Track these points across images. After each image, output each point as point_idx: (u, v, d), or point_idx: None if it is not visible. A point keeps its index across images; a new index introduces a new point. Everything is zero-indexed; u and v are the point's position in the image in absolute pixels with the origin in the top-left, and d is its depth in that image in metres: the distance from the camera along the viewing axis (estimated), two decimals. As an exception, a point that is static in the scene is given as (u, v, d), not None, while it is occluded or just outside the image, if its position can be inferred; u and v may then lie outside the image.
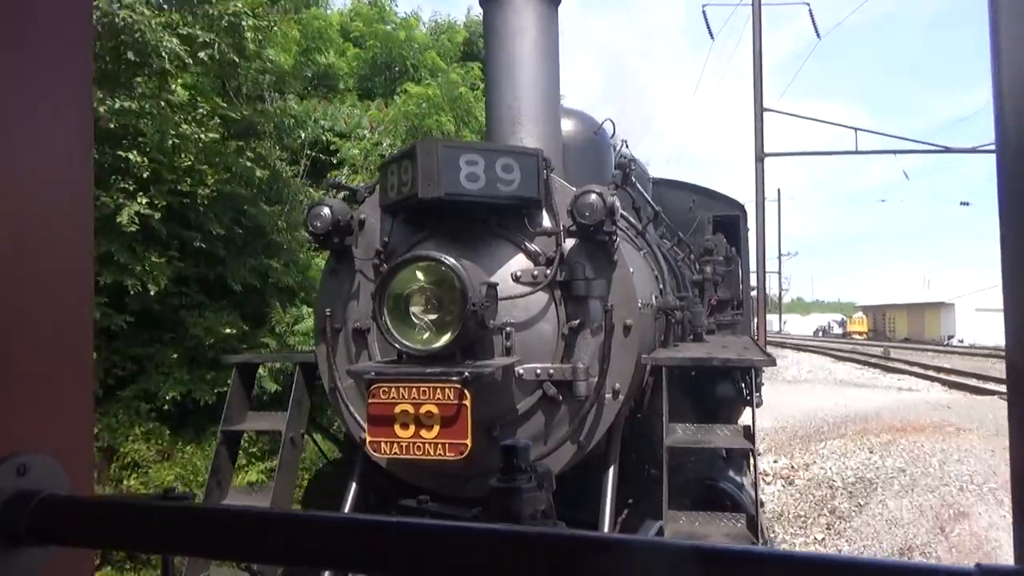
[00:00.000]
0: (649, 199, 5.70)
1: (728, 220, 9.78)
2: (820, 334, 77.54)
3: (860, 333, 68.90)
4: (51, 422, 0.97)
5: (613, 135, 5.34)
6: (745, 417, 4.42)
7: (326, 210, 3.28)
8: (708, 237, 8.66)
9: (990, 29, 0.83)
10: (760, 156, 21.19)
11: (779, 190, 59.14)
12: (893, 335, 63.08)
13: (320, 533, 0.85)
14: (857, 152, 20.88)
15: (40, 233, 0.97)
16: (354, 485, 3.53)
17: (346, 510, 3.45)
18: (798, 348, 43.43)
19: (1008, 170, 0.81)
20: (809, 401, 17.77)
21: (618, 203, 3.07)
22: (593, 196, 2.99)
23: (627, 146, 5.64)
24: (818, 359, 33.94)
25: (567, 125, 4.82)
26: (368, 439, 2.85)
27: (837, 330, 78.31)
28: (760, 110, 20.82)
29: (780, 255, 58.99)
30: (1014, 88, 0.81)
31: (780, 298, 68.54)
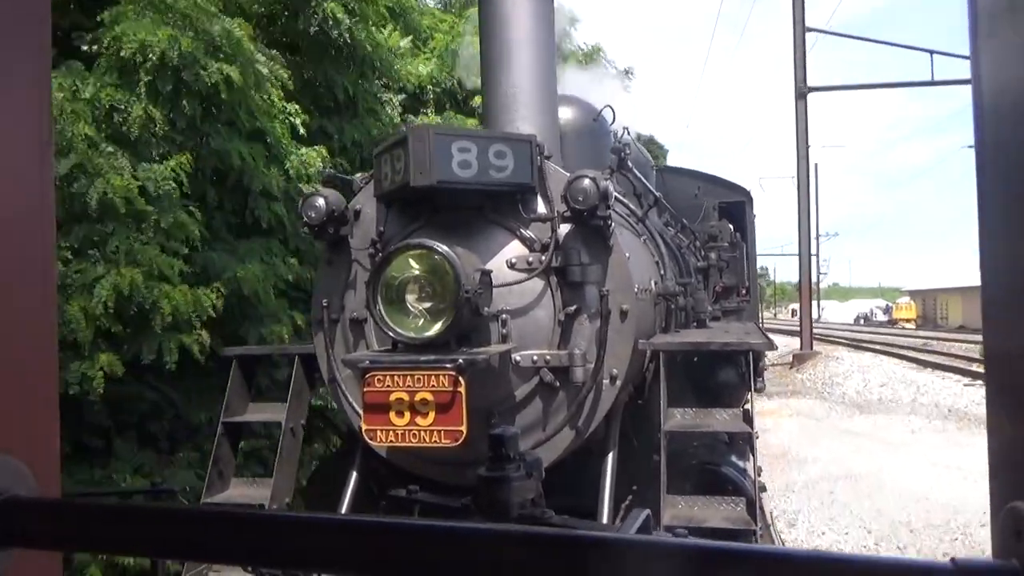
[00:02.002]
0: (650, 185, 5.67)
1: (734, 206, 9.74)
2: (862, 322, 70.86)
3: (908, 320, 61.89)
4: (16, 423, 0.96)
5: (613, 122, 5.30)
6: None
7: (320, 200, 3.27)
8: (713, 223, 8.64)
9: (969, 33, 0.83)
10: (802, 91, 17.01)
11: (816, 165, 53.77)
12: (946, 322, 57.91)
13: (295, 533, 0.84)
14: (933, 83, 17.04)
15: (0, 234, 0.96)
16: (355, 475, 3.54)
17: (347, 500, 3.47)
18: (854, 345, 32.42)
19: (986, 164, 0.82)
20: (924, 473, 8.85)
21: (612, 188, 3.05)
22: (586, 181, 2.98)
23: (628, 133, 5.60)
24: (889, 365, 23.07)
25: (565, 112, 4.79)
26: (364, 427, 2.86)
27: (881, 317, 71.57)
28: (801, 31, 16.29)
29: (817, 235, 52.72)
30: (992, 85, 0.81)
31: (818, 283, 62.98)
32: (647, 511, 1.92)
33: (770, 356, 27.41)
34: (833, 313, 78.53)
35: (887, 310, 73.43)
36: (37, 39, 1.01)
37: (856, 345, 32.26)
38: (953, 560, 0.66)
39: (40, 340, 1.02)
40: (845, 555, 0.71)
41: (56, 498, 1.04)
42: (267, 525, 0.89)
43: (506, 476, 2.18)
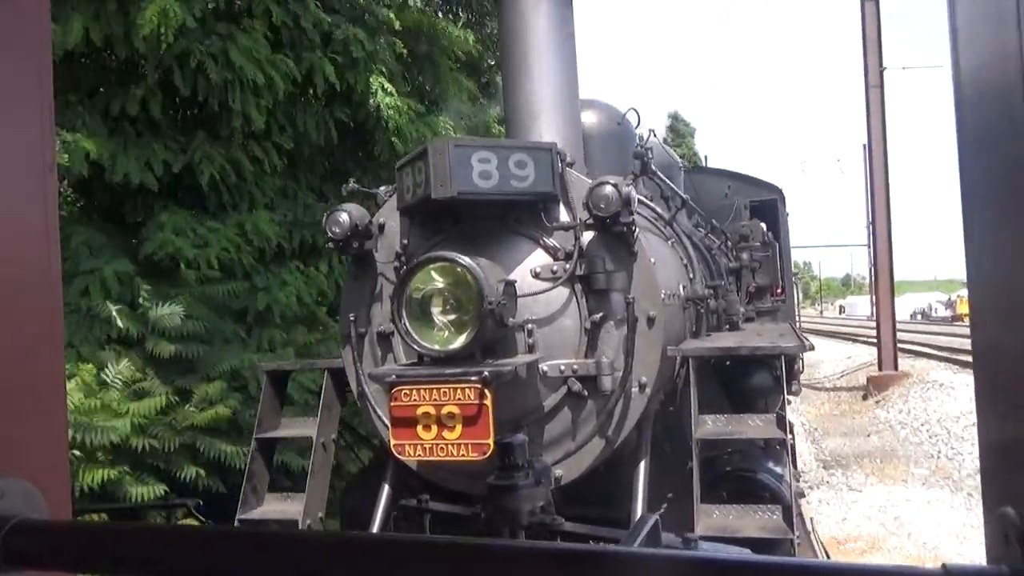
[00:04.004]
0: (677, 187, 5.61)
1: (766, 205, 9.60)
2: (919, 317, 64.47)
3: (974, 316, 57.78)
4: (25, 446, 0.97)
5: (638, 125, 5.25)
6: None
7: (344, 215, 3.29)
8: (744, 223, 8.51)
9: (950, 37, 0.82)
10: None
11: (864, 145, 49.95)
12: (1019, 316, 54.15)
13: (312, 552, 0.84)
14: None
15: (5, 255, 0.97)
16: (387, 488, 3.54)
17: (379, 514, 3.47)
18: (956, 360, 18.88)
19: (968, 160, 0.81)
20: None
21: (635, 193, 3.02)
22: (608, 188, 2.94)
23: (655, 135, 5.55)
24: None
25: (589, 117, 4.75)
26: (392, 442, 2.85)
27: (943, 312, 64.46)
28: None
29: (869, 223, 49.78)
30: (971, 79, 0.80)
31: (870, 276, 56.39)
32: (655, 517, 1.89)
33: (833, 376, 20.83)
34: (887, 310, 71.28)
35: (949, 304, 66.79)
36: (39, 64, 1.03)
37: (962, 361, 18.28)
38: (944, 566, 0.65)
39: (48, 363, 1.04)
40: (837, 563, 0.69)
41: (67, 520, 1.06)
42: (284, 544, 0.89)
43: (515, 484, 2.17)
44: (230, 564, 0.87)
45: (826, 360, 24.71)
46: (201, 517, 3.87)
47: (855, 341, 33.15)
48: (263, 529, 3.15)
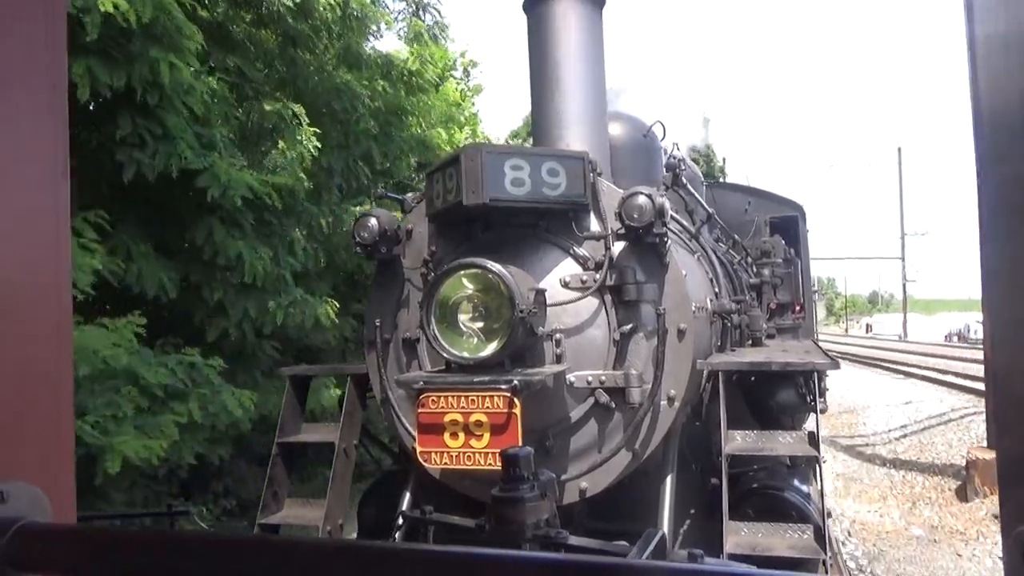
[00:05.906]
0: (702, 201, 5.57)
1: (786, 221, 9.54)
2: (955, 339, 57.81)
3: (1021, 338, 53.09)
4: (31, 449, 0.97)
5: (663, 137, 5.23)
6: (810, 423, 4.25)
7: (373, 220, 3.28)
8: (765, 239, 8.45)
9: (968, 55, 0.85)
10: None
11: (899, 149, 46.60)
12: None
13: (312, 558, 0.83)
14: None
15: (15, 257, 0.97)
16: (408, 496, 3.52)
17: (399, 522, 3.44)
18: None
19: (987, 179, 0.81)
20: None
21: (668, 204, 2.99)
22: (642, 198, 2.92)
23: (679, 148, 5.52)
24: None
25: (615, 128, 4.73)
26: (419, 450, 2.83)
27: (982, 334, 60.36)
28: None
29: (903, 235, 46.09)
30: (990, 93, 0.80)
31: (904, 292, 50.81)
32: (661, 532, 1.86)
33: (889, 435, 13.24)
34: (917, 330, 58.11)
35: (992, 325, 64.15)
36: (54, 72, 1.03)
37: None
38: None
39: (55, 368, 1.03)
40: None
41: (72, 524, 1.05)
42: (288, 551, 0.88)
43: (520, 496, 2.15)
44: (234, 569, 0.86)
45: (873, 404, 16.35)
46: (203, 524, 3.86)
47: (907, 374, 22.11)
48: (267, 536, 3.14)
